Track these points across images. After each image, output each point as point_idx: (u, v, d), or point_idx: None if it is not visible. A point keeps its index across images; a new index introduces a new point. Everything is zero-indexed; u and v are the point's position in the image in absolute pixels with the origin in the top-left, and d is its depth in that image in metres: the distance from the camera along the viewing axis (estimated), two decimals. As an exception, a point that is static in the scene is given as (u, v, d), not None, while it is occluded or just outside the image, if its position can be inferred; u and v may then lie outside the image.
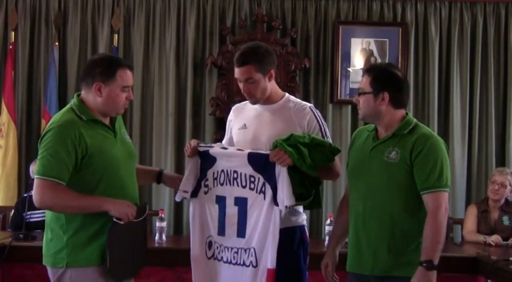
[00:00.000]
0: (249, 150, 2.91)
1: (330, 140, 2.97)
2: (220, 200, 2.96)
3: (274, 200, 2.81)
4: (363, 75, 2.85)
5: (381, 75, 2.78)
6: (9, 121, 5.50)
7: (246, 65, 2.93)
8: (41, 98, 5.64)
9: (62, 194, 2.62)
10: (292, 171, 2.80)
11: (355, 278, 2.83)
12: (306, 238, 3.03)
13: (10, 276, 3.98)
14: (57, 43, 5.61)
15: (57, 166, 2.61)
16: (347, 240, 2.95)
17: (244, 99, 3.14)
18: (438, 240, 2.63)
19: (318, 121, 2.99)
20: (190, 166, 3.03)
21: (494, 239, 4.48)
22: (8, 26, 5.68)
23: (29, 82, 5.70)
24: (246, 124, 3.06)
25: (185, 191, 3.01)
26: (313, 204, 2.97)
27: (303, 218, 3.05)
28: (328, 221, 4.32)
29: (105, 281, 2.70)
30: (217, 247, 2.97)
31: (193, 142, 3.00)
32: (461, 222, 5.05)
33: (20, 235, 4.10)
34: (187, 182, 3.02)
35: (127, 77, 2.76)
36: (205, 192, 3.01)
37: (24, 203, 4.49)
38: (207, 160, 2.99)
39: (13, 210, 4.81)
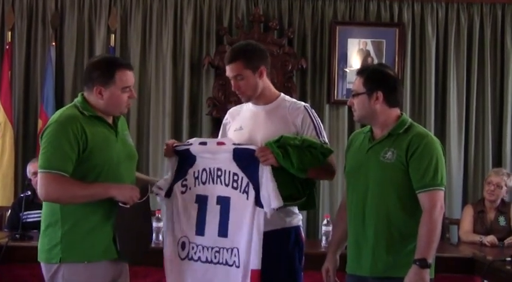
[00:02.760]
0: (233, 145, 2.89)
1: (325, 140, 2.97)
2: (202, 199, 2.94)
3: (257, 202, 2.80)
4: (355, 78, 2.85)
5: (373, 75, 2.79)
6: (6, 121, 5.48)
7: (235, 61, 2.95)
8: (37, 98, 5.63)
9: (67, 185, 2.64)
10: (282, 171, 2.80)
11: (354, 279, 2.83)
12: (301, 239, 3.03)
13: (7, 276, 3.97)
14: (54, 43, 5.60)
15: (60, 158, 2.63)
16: (347, 243, 2.95)
17: (241, 101, 3.16)
18: (433, 238, 2.63)
19: (312, 120, 2.98)
20: (169, 166, 3.02)
21: (490, 239, 4.49)
22: (4, 26, 5.67)
23: (26, 82, 5.69)
24: (242, 125, 3.06)
25: (160, 188, 2.98)
26: (307, 205, 2.97)
27: (299, 218, 3.05)
28: (325, 222, 4.32)
29: (98, 278, 2.71)
30: (193, 247, 2.94)
31: (170, 141, 3.01)
32: (457, 222, 5.06)
33: (17, 235, 4.09)
34: (165, 182, 3.00)
35: (126, 77, 2.78)
36: (183, 192, 2.98)
37: (21, 203, 4.48)
38: (187, 159, 2.97)
39: (10, 210, 4.81)
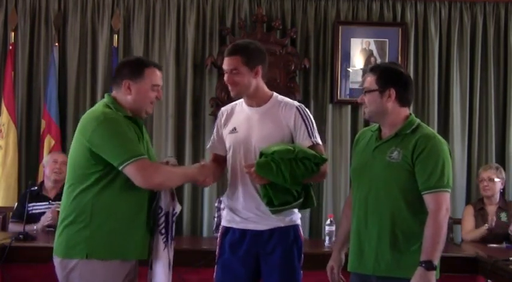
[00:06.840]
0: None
1: (317, 140, 2.98)
2: None
3: None
4: (367, 75, 2.84)
5: (386, 73, 2.79)
6: (9, 122, 5.49)
7: (234, 55, 2.97)
8: (40, 98, 5.63)
9: (161, 168, 2.77)
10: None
11: (357, 278, 2.83)
12: (299, 237, 3.03)
13: (10, 276, 3.98)
14: (57, 44, 5.60)
15: (135, 145, 2.70)
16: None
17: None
18: (438, 240, 2.63)
19: (304, 120, 2.98)
20: None
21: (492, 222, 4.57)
22: (7, 26, 5.68)
23: (29, 83, 5.69)
24: (236, 127, 3.06)
25: None
26: (306, 204, 2.98)
27: (297, 217, 3.05)
28: (328, 221, 4.33)
29: (115, 277, 2.70)
30: None
31: None
32: (460, 222, 5.05)
33: (20, 236, 4.10)
34: None
35: (155, 75, 2.85)
36: None
37: (27, 196, 4.51)
38: None
39: (16, 203, 4.91)
